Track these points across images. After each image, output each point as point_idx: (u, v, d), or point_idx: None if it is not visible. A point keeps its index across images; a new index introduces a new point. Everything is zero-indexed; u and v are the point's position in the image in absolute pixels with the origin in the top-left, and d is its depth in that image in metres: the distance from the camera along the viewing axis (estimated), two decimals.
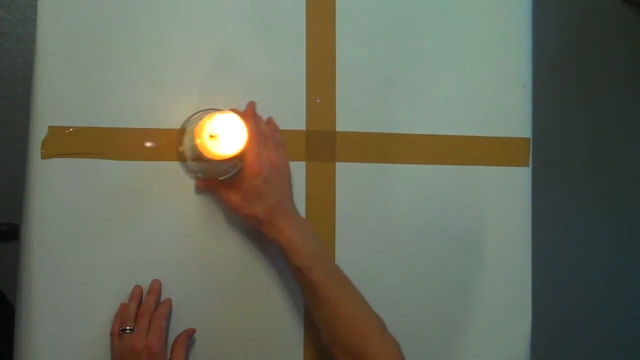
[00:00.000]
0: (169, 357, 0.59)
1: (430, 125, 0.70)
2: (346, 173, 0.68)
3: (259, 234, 0.62)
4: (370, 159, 0.68)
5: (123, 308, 0.60)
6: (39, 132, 0.60)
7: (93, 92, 0.62)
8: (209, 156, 0.55)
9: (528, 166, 0.73)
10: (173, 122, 0.63)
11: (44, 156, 0.60)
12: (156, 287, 0.61)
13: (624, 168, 1.77)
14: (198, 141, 0.55)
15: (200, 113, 0.63)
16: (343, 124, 0.68)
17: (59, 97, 0.61)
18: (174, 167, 0.63)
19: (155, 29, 0.64)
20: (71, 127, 0.61)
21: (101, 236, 0.61)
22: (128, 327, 0.57)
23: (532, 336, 0.71)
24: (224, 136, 0.55)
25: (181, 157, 0.62)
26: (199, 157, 0.60)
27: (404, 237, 0.69)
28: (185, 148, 0.62)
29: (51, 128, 0.61)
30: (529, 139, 0.73)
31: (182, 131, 0.62)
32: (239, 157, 0.61)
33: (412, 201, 0.70)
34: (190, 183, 0.63)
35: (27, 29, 1.42)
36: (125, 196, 0.62)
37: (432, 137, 0.70)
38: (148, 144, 0.62)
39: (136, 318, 0.58)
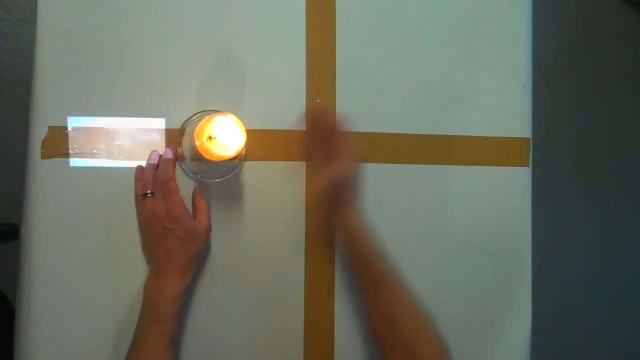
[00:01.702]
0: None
1: (430, 125, 0.70)
2: None
3: (258, 231, 0.62)
4: (369, 159, 0.68)
5: (141, 171, 0.61)
6: (39, 132, 0.60)
7: (93, 92, 0.62)
8: (209, 157, 0.56)
9: (528, 166, 0.73)
10: (173, 122, 0.63)
11: (44, 156, 0.60)
12: (171, 153, 0.61)
13: (624, 168, 1.77)
14: (197, 143, 0.55)
15: (200, 114, 0.63)
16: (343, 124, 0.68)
17: (59, 97, 0.61)
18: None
19: (155, 29, 0.64)
20: (71, 127, 0.61)
21: (101, 236, 0.61)
22: (149, 192, 0.59)
23: (532, 336, 0.71)
24: (223, 138, 0.55)
25: (180, 158, 0.62)
26: (198, 157, 0.60)
27: (404, 237, 0.69)
28: (184, 149, 0.62)
29: (51, 128, 0.61)
30: (529, 139, 0.73)
31: (181, 132, 0.62)
32: (238, 158, 0.61)
33: (412, 201, 0.70)
34: (188, 183, 0.63)
35: (27, 29, 1.42)
36: (125, 196, 0.61)
37: (432, 137, 0.70)
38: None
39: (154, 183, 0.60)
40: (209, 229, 0.60)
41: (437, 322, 0.69)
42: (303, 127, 0.66)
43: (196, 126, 0.56)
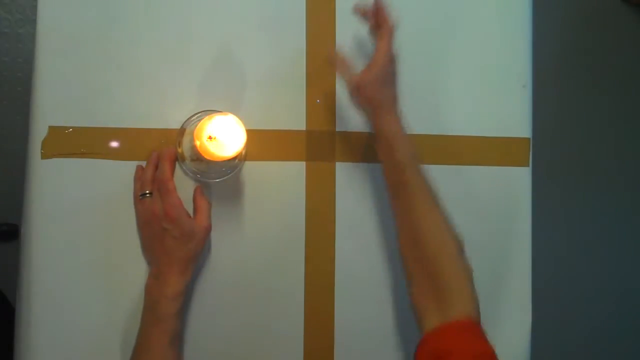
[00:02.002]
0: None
1: (431, 125, 0.70)
2: (346, 173, 0.68)
3: (258, 231, 0.62)
4: (370, 159, 0.68)
5: (140, 171, 0.61)
6: (39, 132, 0.60)
7: (93, 92, 0.62)
8: (209, 157, 0.56)
9: (528, 166, 0.73)
10: (173, 122, 0.63)
11: (44, 156, 0.60)
12: (170, 153, 0.61)
13: (623, 168, 1.77)
14: (197, 143, 0.55)
15: (200, 114, 0.63)
16: (343, 124, 0.68)
17: (59, 97, 0.61)
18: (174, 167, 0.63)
19: (155, 29, 0.64)
20: (71, 127, 0.61)
21: (101, 236, 0.61)
22: (147, 192, 0.59)
23: (532, 336, 0.71)
24: (223, 138, 0.55)
25: (180, 158, 0.62)
26: (198, 157, 0.60)
27: None
28: (184, 149, 0.62)
29: (51, 128, 0.61)
30: (529, 139, 0.73)
31: (181, 132, 0.62)
32: (238, 158, 0.61)
33: None
34: (188, 183, 0.63)
35: (27, 29, 1.42)
36: (125, 196, 0.61)
37: (432, 137, 0.70)
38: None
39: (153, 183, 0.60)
40: (208, 229, 0.60)
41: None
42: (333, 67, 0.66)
43: (196, 126, 0.56)
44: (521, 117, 0.73)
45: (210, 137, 0.54)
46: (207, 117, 0.55)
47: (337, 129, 0.68)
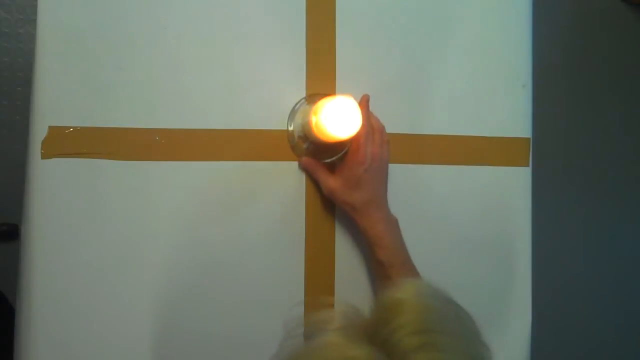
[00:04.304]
0: None
1: (430, 125, 0.70)
2: None
3: (258, 231, 0.62)
4: None
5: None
6: (39, 132, 0.60)
7: (93, 92, 0.62)
8: (322, 137, 0.56)
9: (528, 166, 0.73)
10: (173, 121, 0.63)
11: (44, 156, 0.60)
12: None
13: (623, 168, 1.77)
14: (314, 118, 0.56)
15: (315, 96, 0.63)
16: None
17: (59, 97, 0.61)
18: (175, 167, 0.63)
19: (155, 28, 0.64)
20: (71, 127, 0.61)
21: (101, 236, 0.61)
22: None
23: (532, 336, 0.71)
24: (340, 119, 0.55)
25: (289, 137, 0.65)
26: (306, 137, 0.62)
27: (404, 237, 0.69)
28: (295, 126, 0.63)
29: (51, 128, 0.61)
30: (529, 139, 0.73)
31: (293, 113, 0.65)
32: (344, 144, 0.62)
33: (412, 201, 0.70)
34: (189, 183, 0.63)
35: (27, 29, 1.42)
36: (125, 196, 0.61)
37: (432, 137, 0.70)
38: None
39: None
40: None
41: None
42: None
43: (313, 104, 0.57)
44: (521, 117, 0.73)
45: (326, 117, 0.55)
46: (328, 97, 0.56)
47: None
